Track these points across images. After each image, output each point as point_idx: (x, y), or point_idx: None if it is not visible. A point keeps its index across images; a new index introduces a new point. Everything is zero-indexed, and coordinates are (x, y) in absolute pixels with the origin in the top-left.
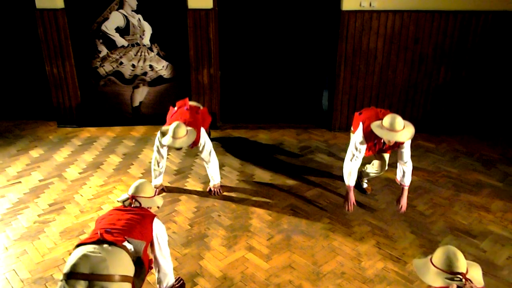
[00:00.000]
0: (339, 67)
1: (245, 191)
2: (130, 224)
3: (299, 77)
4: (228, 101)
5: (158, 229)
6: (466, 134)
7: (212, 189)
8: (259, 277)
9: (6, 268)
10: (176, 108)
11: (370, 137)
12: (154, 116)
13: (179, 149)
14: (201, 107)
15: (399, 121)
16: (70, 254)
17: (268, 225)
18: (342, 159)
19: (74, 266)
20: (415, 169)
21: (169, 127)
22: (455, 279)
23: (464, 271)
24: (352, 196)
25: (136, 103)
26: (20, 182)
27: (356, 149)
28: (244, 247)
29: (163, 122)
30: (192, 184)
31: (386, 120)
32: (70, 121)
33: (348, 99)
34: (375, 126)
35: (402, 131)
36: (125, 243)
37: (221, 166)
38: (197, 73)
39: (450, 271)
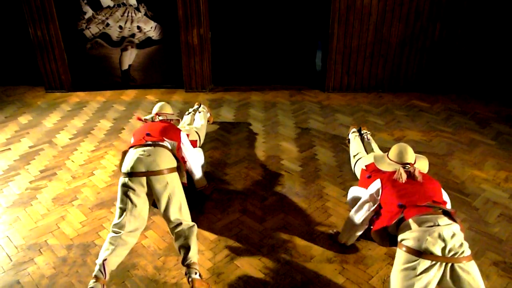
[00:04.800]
0: (332, 25)
1: (238, 154)
2: (164, 128)
3: (292, 37)
4: (220, 63)
5: (184, 135)
6: (461, 92)
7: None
8: (253, 238)
9: None
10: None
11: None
12: (144, 79)
13: None
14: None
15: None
16: (63, 219)
17: (262, 187)
18: (336, 121)
19: (133, 167)
20: (409, 128)
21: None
22: (405, 167)
23: (412, 162)
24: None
25: (125, 66)
26: (9, 149)
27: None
28: (238, 209)
29: (153, 86)
30: None
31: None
32: (58, 86)
33: (342, 58)
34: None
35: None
36: (165, 143)
37: (214, 128)
38: (186, 34)
39: (401, 162)
